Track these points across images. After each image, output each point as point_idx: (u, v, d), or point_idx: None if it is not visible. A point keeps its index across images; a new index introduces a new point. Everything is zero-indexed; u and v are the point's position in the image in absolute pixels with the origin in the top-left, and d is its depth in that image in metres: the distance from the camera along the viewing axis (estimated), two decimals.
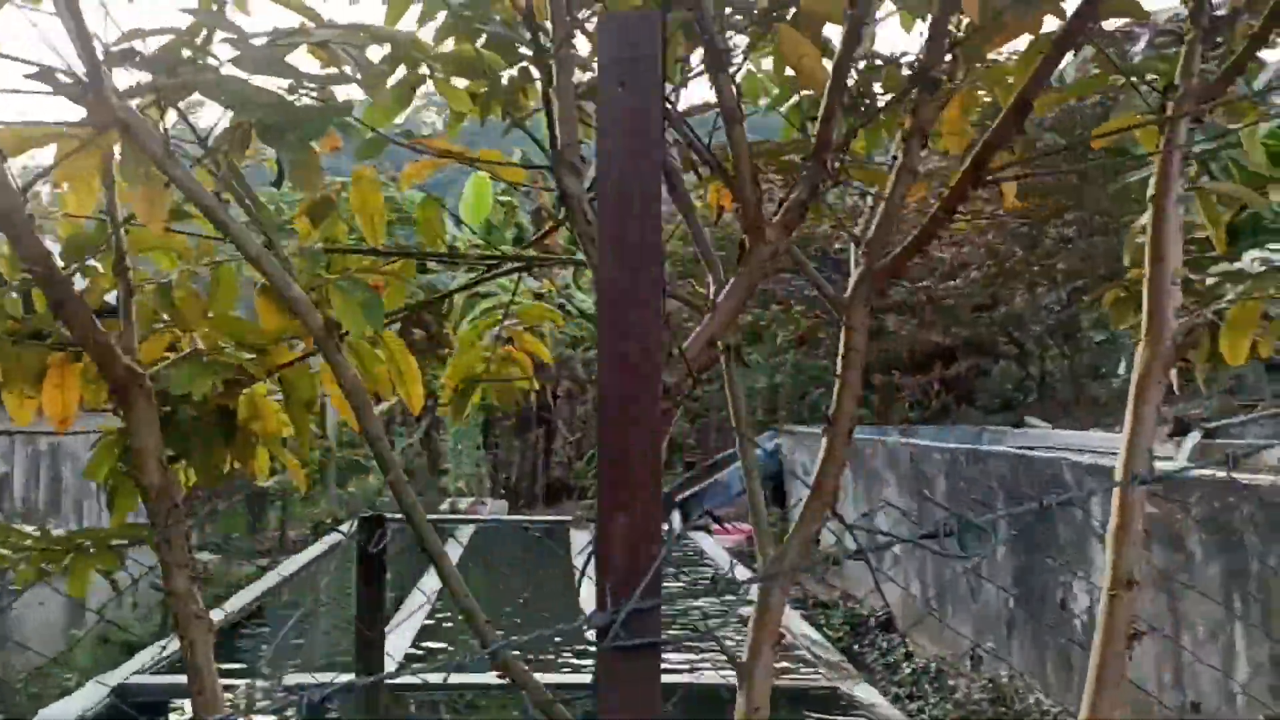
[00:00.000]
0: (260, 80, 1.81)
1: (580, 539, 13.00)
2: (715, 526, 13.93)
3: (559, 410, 20.36)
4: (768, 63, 2.07)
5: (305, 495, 17.45)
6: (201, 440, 2.42)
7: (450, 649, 7.72)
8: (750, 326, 17.09)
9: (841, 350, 2.13)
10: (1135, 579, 2.00)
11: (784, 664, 7.65)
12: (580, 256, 2.79)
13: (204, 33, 1.90)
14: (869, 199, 2.10)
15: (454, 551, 12.55)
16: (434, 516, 16.21)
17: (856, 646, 8.74)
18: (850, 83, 1.86)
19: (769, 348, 17.33)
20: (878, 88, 1.90)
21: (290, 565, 11.69)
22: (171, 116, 1.93)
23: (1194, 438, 10.30)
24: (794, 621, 8.39)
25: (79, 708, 5.92)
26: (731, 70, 1.53)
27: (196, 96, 1.87)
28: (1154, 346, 2.09)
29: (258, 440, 2.57)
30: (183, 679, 6.70)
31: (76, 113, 1.81)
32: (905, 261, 2.09)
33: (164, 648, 7.43)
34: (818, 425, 15.31)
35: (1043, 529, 6.61)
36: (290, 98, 1.77)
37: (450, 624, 8.74)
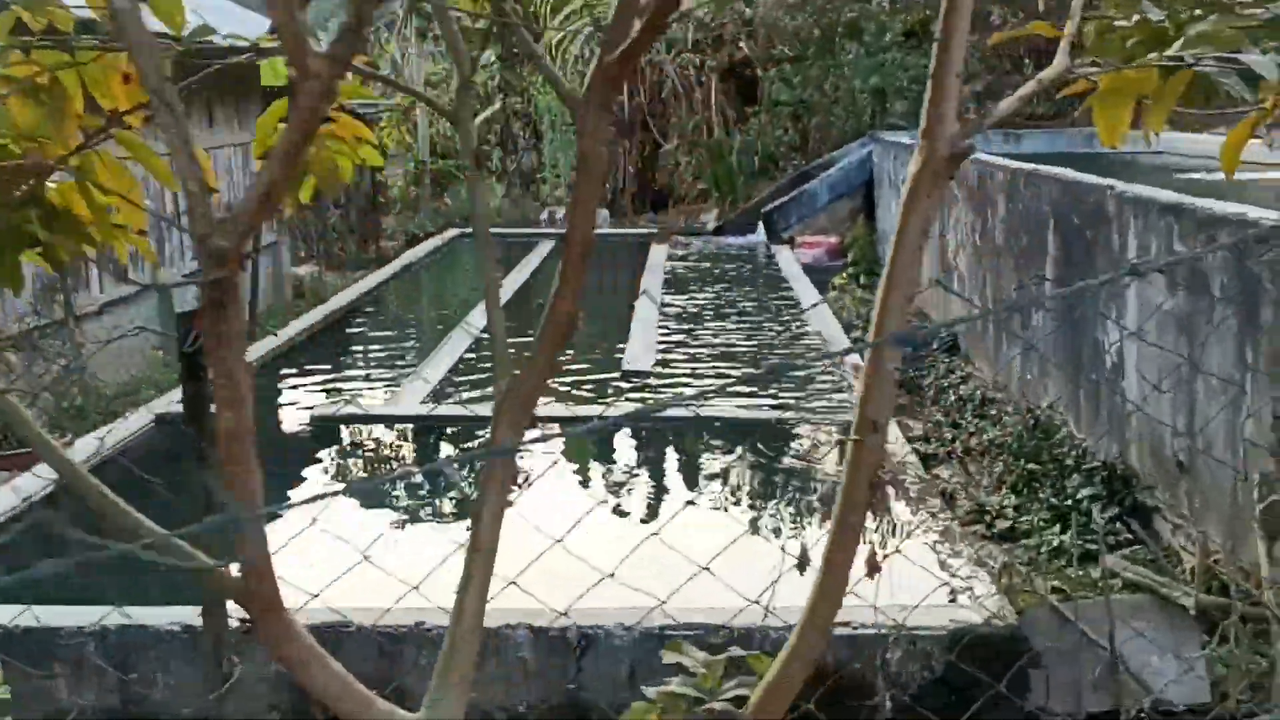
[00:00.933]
0: None
1: (658, 254, 12.90)
2: (801, 239, 13.64)
3: (661, 115, 19.78)
4: None
5: (403, 208, 17.65)
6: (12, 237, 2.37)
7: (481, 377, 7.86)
8: (850, 23, 16.05)
9: (576, 160, 1.88)
10: (881, 423, 1.78)
11: (823, 396, 7.59)
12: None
13: None
14: None
15: (528, 267, 12.63)
16: (514, 231, 16.30)
17: (913, 371, 8.58)
18: None
19: (873, 44, 16.26)
20: None
21: (371, 280, 11.97)
22: None
23: None
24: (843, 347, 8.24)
25: (124, 433, 6.23)
26: None
27: None
28: (928, 152, 1.76)
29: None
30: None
31: None
32: (636, 56, 1.80)
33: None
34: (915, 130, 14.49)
35: (1084, 260, 6.21)
36: None
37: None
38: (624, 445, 6.58)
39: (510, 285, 11.29)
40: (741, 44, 17.66)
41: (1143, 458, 5.42)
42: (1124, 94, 2.21)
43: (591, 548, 2.84)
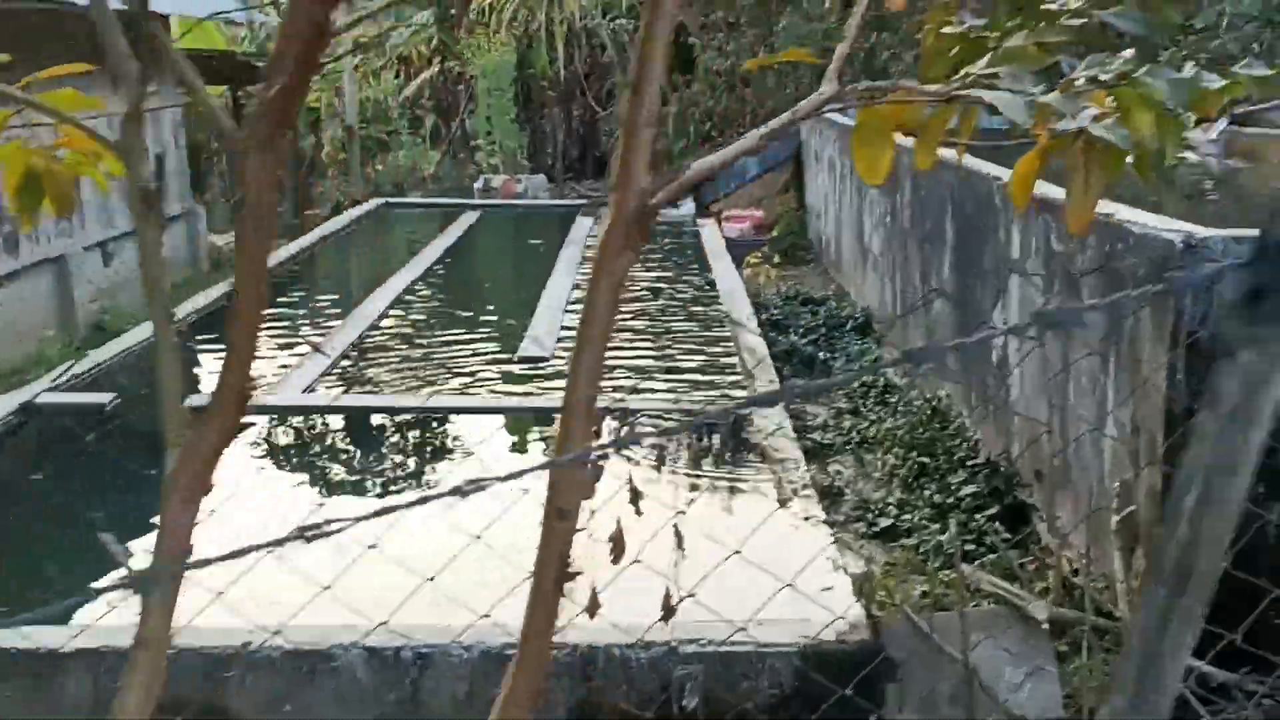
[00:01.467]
0: None
1: (582, 228, 12.69)
2: (728, 213, 13.47)
3: (593, 80, 19.48)
4: None
5: (336, 172, 17.30)
6: None
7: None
8: None
9: (243, 205, 1.70)
10: (568, 510, 1.61)
11: (708, 386, 7.46)
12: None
13: None
14: None
15: (449, 236, 12.41)
16: (445, 201, 15.99)
17: (823, 354, 8.46)
18: None
19: (811, 9, 15.99)
20: None
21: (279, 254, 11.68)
22: None
23: (1222, 124, 9.36)
24: (743, 335, 8.10)
25: None
26: None
27: None
28: (618, 208, 1.60)
29: None
30: (95, 397, 6.69)
31: None
32: (294, 97, 1.62)
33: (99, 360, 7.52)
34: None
35: (976, 251, 6.10)
36: None
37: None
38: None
39: (438, 247, 11.35)
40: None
41: (1022, 457, 5.33)
42: (880, 129, 2.06)
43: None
